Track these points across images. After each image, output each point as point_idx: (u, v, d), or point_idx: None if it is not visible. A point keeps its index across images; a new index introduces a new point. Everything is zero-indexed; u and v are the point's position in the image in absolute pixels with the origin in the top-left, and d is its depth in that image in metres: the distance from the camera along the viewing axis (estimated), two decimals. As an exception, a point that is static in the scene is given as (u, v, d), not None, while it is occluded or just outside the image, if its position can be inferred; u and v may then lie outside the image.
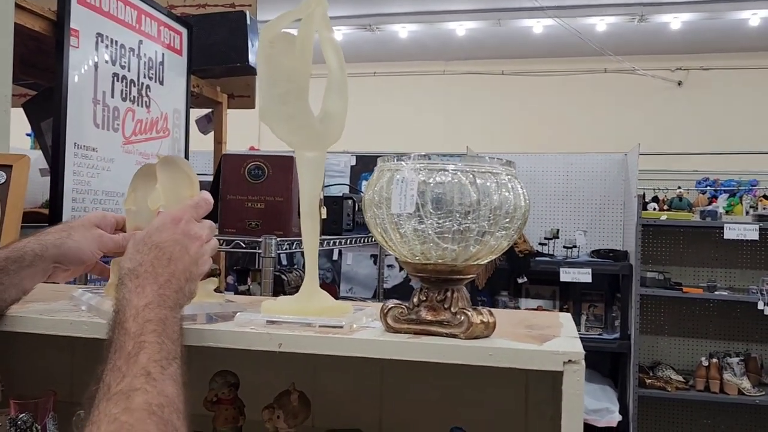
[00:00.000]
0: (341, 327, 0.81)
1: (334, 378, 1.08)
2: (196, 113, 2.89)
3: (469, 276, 0.83)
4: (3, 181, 1.19)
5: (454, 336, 0.79)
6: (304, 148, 0.83)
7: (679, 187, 4.10)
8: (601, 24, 5.08)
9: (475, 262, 0.81)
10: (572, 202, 4.15)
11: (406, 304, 0.83)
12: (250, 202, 1.39)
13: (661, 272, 3.79)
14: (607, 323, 3.96)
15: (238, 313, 0.85)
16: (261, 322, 0.83)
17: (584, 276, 3.65)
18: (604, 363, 3.95)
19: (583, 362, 0.73)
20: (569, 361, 0.73)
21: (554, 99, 5.92)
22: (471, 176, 0.78)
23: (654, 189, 4.17)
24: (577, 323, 3.94)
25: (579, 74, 5.91)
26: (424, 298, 0.83)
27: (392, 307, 0.83)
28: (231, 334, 0.82)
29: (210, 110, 2.92)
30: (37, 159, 2.05)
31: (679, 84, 5.84)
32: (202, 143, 2.96)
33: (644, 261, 3.76)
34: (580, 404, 0.74)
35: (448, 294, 0.82)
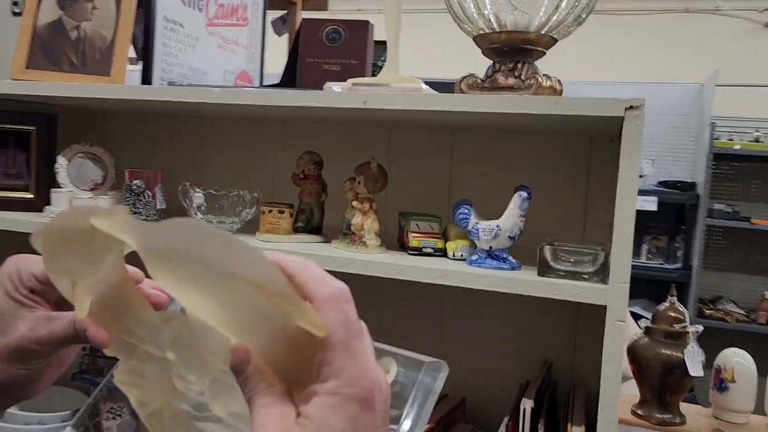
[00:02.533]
0: (420, 88, 0.90)
1: (407, 160, 1.17)
2: (271, 15, 3.00)
3: (539, 48, 0.90)
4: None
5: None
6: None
7: (757, 130, 3.97)
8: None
9: (546, 32, 0.88)
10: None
11: (481, 75, 0.91)
12: (327, 65, 1.48)
13: (729, 204, 3.72)
14: (669, 255, 3.92)
15: (328, 83, 0.96)
16: (347, 86, 0.93)
17: (650, 204, 3.61)
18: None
19: (644, 109, 0.80)
20: (630, 107, 0.80)
21: (635, 37, 5.75)
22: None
23: (729, 132, 4.05)
24: (638, 254, 3.93)
25: (660, 13, 5.70)
26: (497, 68, 0.90)
27: (466, 76, 0.91)
28: (323, 94, 0.93)
29: (285, 12, 3.03)
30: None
31: (766, 26, 5.56)
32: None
33: (713, 194, 3.69)
34: (638, 151, 0.81)
35: (519, 65, 0.89)
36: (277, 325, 0.38)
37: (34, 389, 0.52)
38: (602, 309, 1.09)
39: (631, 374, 1.24)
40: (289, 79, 1.32)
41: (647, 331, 1.15)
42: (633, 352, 1.14)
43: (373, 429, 0.38)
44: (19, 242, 1.56)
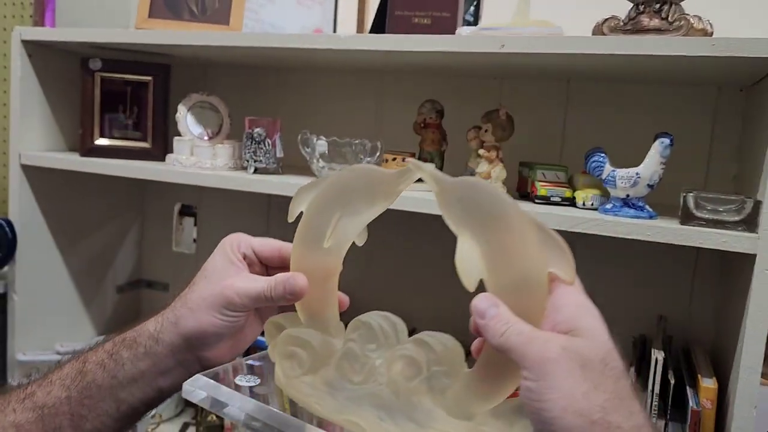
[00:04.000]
0: (560, 32, 0.88)
1: (520, 111, 1.16)
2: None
3: (686, -11, 0.86)
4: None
5: (671, 37, 0.84)
6: None
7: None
8: None
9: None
10: None
11: (622, 17, 0.89)
12: (417, 18, 1.45)
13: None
14: None
15: (460, 28, 0.95)
16: (476, 30, 0.92)
17: None
18: None
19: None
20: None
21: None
22: None
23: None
24: None
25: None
26: (641, 10, 0.87)
27: (608, 18, 0.89)
28: (456, 39, 0.92)
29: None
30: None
31: None
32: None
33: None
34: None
35: (665, 6, 0.86)
36: (528, 273, 0.44)
37: (221, 352, 0.57)
38: (724, 260, 1.07)
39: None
40: (378, 33, 1.31)
41: None
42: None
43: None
44: (137, 188, 1.59)
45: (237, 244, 0.58)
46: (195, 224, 1.53)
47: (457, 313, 1.28)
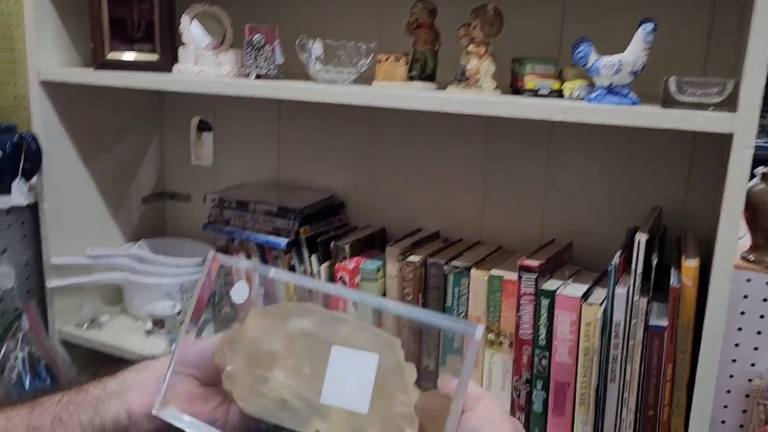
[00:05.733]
0: None
1: (515, 7, 1.16)
2: None
3: None
4: None
5: None
6: None
7: None
8: None
9: None
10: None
11: None
12: None
13: None
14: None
15: None
16: None
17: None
18: None
19: None
20: None
21: None
22: None
23: None
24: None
25: None
26: None
27: None
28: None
29: None
30: None
31: None
32: None
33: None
34: None
35: None
36: None
37: None
38: (721, 149, 1.08)
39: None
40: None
41: (764, 177, 1.13)
42: (748, 197, 1.13)
43: None
44: (154, 102, 1.64)
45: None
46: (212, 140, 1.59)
47: (458, 211, 1.33)
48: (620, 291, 0.96)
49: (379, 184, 1.41)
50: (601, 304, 0.99)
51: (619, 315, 0.96)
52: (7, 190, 1.34)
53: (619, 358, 0.97)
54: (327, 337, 0.59)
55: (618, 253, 0.99)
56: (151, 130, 1.62)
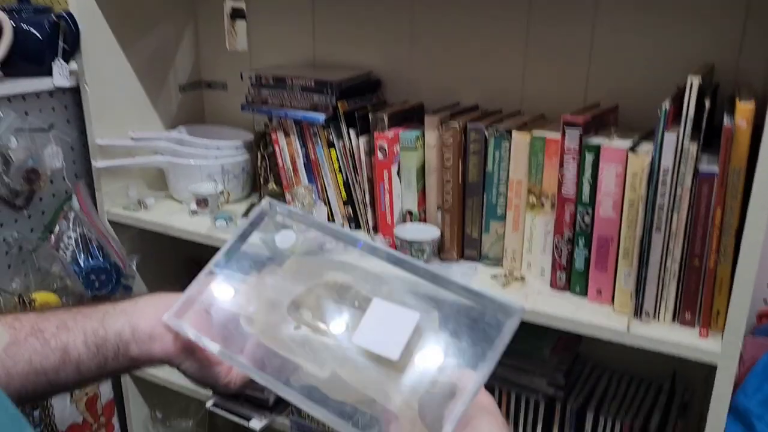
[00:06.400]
0: None
1: None
2: None
3: None
4: None
5: None
6: None
7: None
8: None
9: None
10: None
11: None
12: None
13: None
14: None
15: None
16: None
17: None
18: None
19: None
20: None
21: None
22: None
23: None
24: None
25: None
26: None
27: None
28: None
29: None
30: None
31: None
32: None
33: None
34: None
35: None
36: None
37: None
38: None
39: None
40: None
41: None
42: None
43: None
44: None
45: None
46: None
47: (498, 83, 1.30)
48: (669, 137, 0.93)
49: (417, 60, 1.38)
50: (649, 154, 0.97)
51: (667, 162, 0.93)
52: (48, 72, 1.35)
53: (665, 206, 0.95)
54: (366, 291, 0.57)
55: (667, 100, 0.95)
56: (185, 17, 1.60)
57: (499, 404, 1.25)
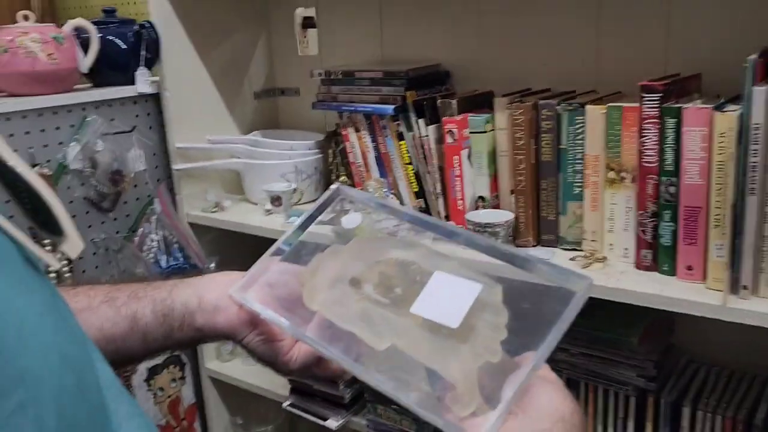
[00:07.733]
0: None
1: None
2: None
3: None
4: None
5: None
6: None
7: None
8: None
9: None
10: None
11: None
12: None
13: None
14: None
15: None
16: None
17: None
18: None
19: None
20: None
21: None
22: None
23: None
24: None
25: None
26: None
27: None
28: None
29: None
30: None
31: None
32: None
33: None
34: None
35: None
36: None
37: None
38: None
39: None
40: None
41: None
42: None
43: None
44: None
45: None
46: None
47: (570, 65, 1.26)
48: (759, 90, 0.86)
49: (485, 49, 1.36)
50: (736, 112, 0.90)
51: (758, 117, 0.86)
52: (131, 81, 1.42)
53: (759, 167, 0.88)
54: (429, 267, 0.56)
55: (755, 55, 0.88)
56: (258, 28, 1.66)
57: (585, 398, 1.17)
